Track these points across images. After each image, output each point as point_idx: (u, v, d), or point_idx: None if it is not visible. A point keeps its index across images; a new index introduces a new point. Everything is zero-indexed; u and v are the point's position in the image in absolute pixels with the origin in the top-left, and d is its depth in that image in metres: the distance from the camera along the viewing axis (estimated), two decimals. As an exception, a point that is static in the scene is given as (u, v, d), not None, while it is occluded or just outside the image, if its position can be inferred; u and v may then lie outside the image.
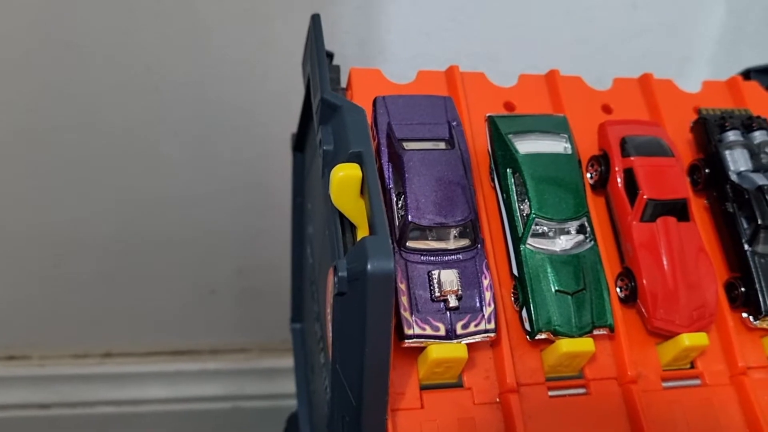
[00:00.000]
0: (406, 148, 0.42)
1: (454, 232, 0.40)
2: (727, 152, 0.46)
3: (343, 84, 0.51)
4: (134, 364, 0.89)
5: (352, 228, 0.40)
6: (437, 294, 0.39)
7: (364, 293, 0.34)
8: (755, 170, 0.46)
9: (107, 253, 0.82)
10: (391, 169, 0.42)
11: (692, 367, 0.44)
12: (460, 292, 0.39)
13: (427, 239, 0.40)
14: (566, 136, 0.45)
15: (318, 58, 0.47)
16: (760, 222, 0.44)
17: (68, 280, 0.83)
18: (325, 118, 0.42)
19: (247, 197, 0.81)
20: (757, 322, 0.44)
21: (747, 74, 0.59)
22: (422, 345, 0.39)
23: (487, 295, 0.39)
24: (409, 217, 0.39)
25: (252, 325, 0.90)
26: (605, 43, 0.76)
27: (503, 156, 0.44)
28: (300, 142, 0.61)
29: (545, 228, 0.42)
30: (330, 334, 0.39)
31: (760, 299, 0.43)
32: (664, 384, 0.43)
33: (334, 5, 0.71)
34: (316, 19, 0.50)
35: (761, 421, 0.42)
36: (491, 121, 0.45)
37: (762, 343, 0.45)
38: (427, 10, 0.72)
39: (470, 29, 0.72)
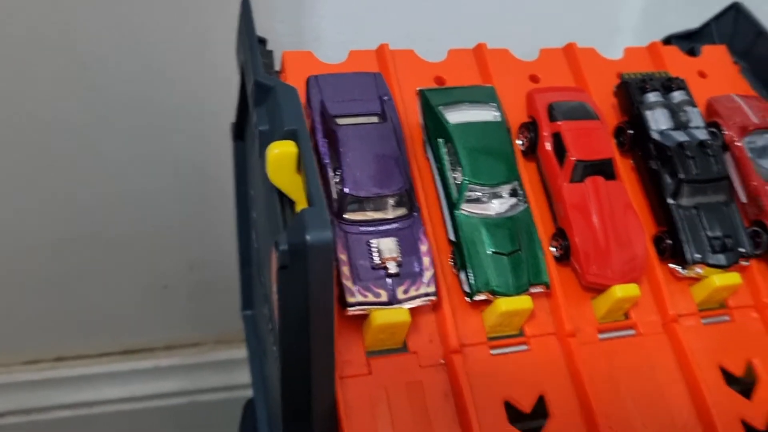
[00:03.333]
0: (339, 123, 0.43)
1: (390, 201, 0.41)
2: (648, 113, 0.48)
3: (278, 68, 0.51)
4: (87, 366, 0.89)
5: (292, 204, 0.41)
6: (377, 262, 0.40)
7: (305, 264, 0.35)
8: (676, 128, 0.48)
9: (53, 255, 0.81)
10: (326, 145, 0.43)
11: (626, 318, 0.46)
12: (399, 259, 0.40)
13: (365, 210, 0.41)
14: (495, 105, 0.46)
15: (249, 42, 0.48)
16: (682, 176, 0.46)
17: (13, 285, 0.82)
18: (260, 100, 0.43)
19: (194, 190, 0.81)
20: (685, 271, 0.46)
21: (668, 41, 0.62)
22: (365, 312, 0.40)
23: (426, 260, 0.41)
24: (346, 189, 0.40)
25: (205, 318, 0.90)
26: (535, 17, 0.78)
27: (435, 127, 0.45)
28: (239, 130, 0.62)
29: (479, 193, 0.43)
30: (276, 310, 0.40)
31: (686, 250, 0.45)
32: (601, 336, 0.44)
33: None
34: (246, 5, 0.50)
35: (693, 366, 0.44)
36: (422, 95, 0.46)
37: (690, 291, 0.47)
38: (359, -6, 0.73)
39: (401, 10, 0.73)
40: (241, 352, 0.90)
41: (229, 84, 0.64)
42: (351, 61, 0.50)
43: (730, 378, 0.45)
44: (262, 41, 0.53)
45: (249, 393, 0.67)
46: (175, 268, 0.86)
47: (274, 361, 0.53)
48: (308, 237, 0.35)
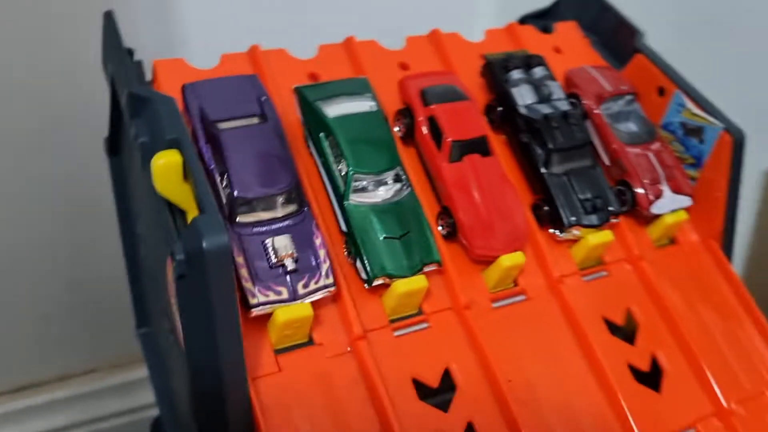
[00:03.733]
0: (221, 128, 0.43)
1: (280, 200, 0.42)
2: (514, 89, 0.51)
3: (149, 78, 0.51)
4: (-25, 410, 0.84)
5: (183, 214, 0.41)
6: (274, 260, 0.40)
7: (203, 271, 0.36)
8: (540, 102, 0.51)
9: None
10: (210, 151, 0.43)
11: (515, 285, 0.48)
12: (295, 255, 0.41)
13: (256, 211, 0.41)
14: (370, 95, 0.48)
15: (117, 54, 0.47)
16: (550, 146, 0.49)
17: None
18: (136, 112, 0.43)
19: (65, 208, 0.78)
20: (563, 234, 0.49)
21: (524, 21, 0.65)
22: (269, 311, 0.40)
23: (321, 252, 0.42)
24: (235, 192, 0.41)
25: (96, 343, 0.87)
26: (397, 7, 0.81)
27: (315, 122, 0.46)
28: (114, 145, 0.60)
29: (364, 182, 0.44)
30: (178, 322, 0.40)
31: (562, 214, 0.48)
32: (494, 305, 0.47)
33: (129, 3, 0.70)
34: (109, 17, 0.49)
35: (580, 321, 0.47)
36: (298, 92, 0.47)
37: (570, 252, 0.50)
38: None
39: (266, 10, 0.74)
40: (139, 373, 0.88)
41: (100, 97, 0.62)
42: (224, 65, 0.50)
43: (613, 327, 0.49)
44: (130, 52, 0.52)
45: (153, 413, 0.66)
46: (56, 293, 0.83)
47: (181, 375, 0.52)
48: (204, 243, 0.35)
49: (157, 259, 0.52)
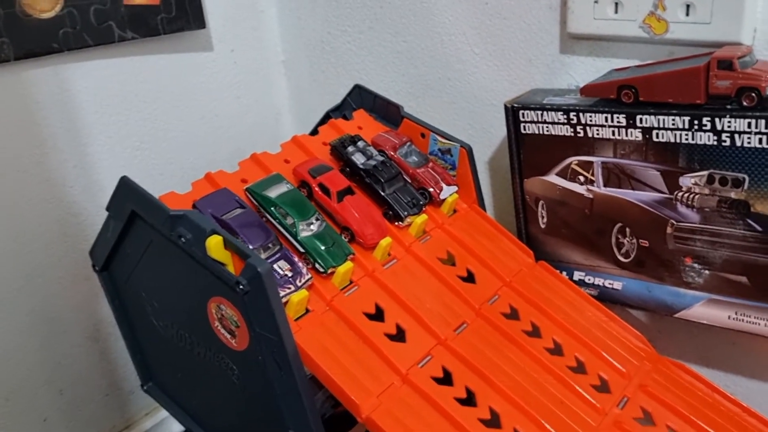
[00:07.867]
0: (226, 219, 0.80)
1: (269, 245, 0.80)
2: (352, 157, 0.93)
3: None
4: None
5: (224, 265, 0.77)
6: (282, 273, 0.78)
7: (262, 286, 0.72)
8: (368, 159, 0.93)
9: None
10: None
11: (389, 255, 0.90)
12: (290, 268, 0.79)
13: (261, 253, 0.79)
14: (285, 180, 0.87)
15: (141, 198, 0.81)
16: (382, 180, 0.91)
17: None
18: (176, 225, 0.78)
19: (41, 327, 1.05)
20: (403, 223, 0.92)
21: (327, 116, 1.08)
22: (287, 299, 0.78)
23: (300, 264, 0.80)
24: (251, 246, 0.78)
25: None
26: (241, 129, 1.19)
27: (266, 201, 0.84)
28: (106, 263, 0.92)
29: (304, 225, 0.83)
30: (246, 332, 0.76)
31: (400, 213, 0.91)
32: (384, 267, 0.88)
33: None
34: (126, 180, 0.83)
35: (426, 261, 0.90)
36: (250, 191, 0.85)
37: (408, 231, 0.92)
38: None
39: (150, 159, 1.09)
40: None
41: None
42: (195, 188, 0.86)
43: (443, 260, 0.92)
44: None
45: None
46: (49, 397, 1.09)
47: (217, 386, 0.85)
48: (260, 269, 0.72)
49: (188, 312, 0.85)
